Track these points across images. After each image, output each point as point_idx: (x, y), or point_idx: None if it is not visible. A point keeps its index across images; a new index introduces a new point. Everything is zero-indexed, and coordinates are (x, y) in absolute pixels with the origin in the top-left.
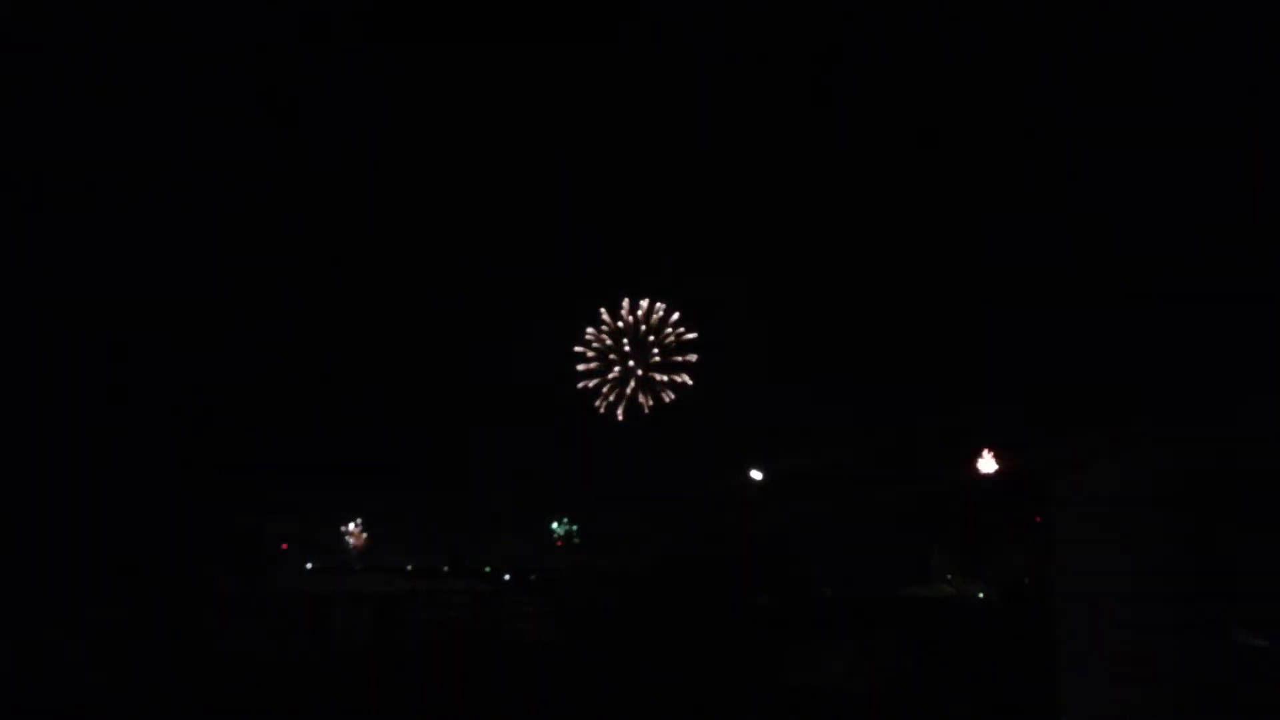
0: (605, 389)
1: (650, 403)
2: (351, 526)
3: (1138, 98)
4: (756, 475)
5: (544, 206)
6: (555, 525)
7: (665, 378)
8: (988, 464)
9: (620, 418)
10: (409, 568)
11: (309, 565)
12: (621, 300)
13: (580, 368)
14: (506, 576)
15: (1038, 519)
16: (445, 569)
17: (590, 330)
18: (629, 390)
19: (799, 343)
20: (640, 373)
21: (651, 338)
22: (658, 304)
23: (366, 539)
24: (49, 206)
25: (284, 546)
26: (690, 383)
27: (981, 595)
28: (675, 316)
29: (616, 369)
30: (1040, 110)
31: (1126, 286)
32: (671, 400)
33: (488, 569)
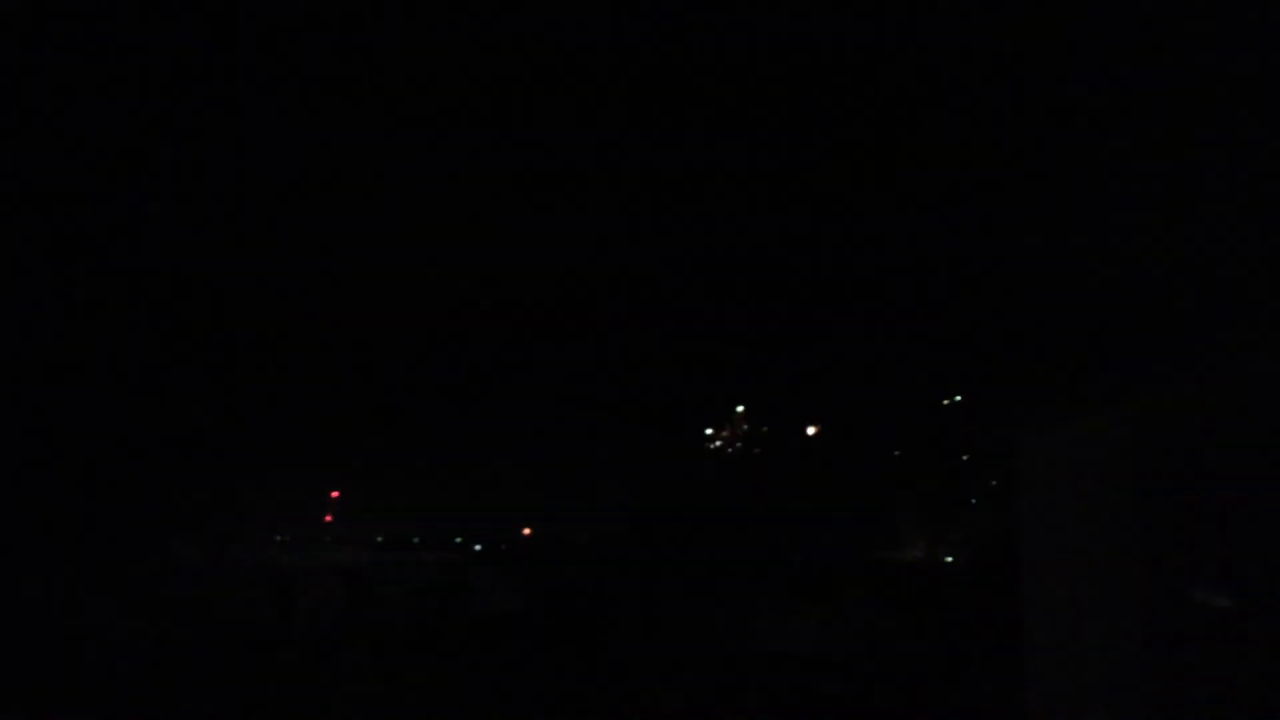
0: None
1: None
2: (324, 497)
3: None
4: (718, 442)
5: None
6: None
7: None
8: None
9: None
10: (379, 539)
11: (278, 538)
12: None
13: None
14: (477, 547)
15: (1004, 483)
16: (415, 539)
17: None
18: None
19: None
20: None
21: None
22: None
23: (339, 510)
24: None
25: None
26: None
27: (950, 559)
28: None
29: None
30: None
31: (1077, 248)
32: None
33: (459, 539)
